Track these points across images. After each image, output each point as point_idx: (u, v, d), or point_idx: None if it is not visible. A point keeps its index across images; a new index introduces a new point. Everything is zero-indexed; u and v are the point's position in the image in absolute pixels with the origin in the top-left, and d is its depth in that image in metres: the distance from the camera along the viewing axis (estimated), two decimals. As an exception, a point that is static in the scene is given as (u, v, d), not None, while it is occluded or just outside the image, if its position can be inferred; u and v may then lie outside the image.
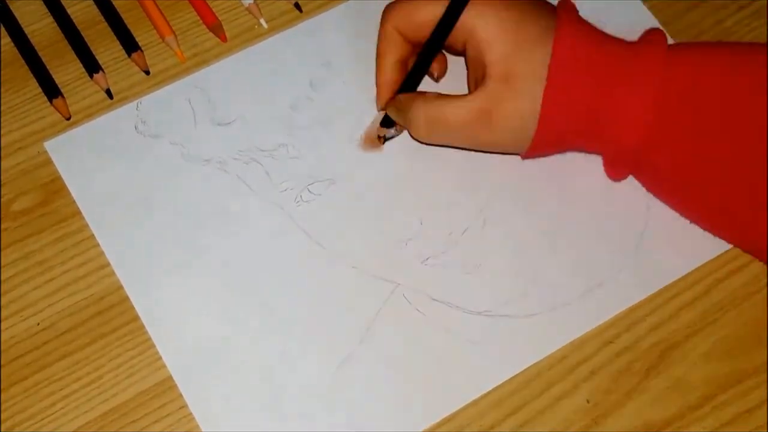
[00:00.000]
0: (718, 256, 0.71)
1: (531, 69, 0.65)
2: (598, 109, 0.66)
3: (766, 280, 0.70)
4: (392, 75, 0.72)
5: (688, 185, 0.67)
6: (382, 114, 0.74)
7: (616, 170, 0.71)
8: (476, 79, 0.68)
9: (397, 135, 0.74)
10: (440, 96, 0.69)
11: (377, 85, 0.73)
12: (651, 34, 0.67)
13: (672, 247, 0.71)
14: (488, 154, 0.73)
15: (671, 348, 0.68)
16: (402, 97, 0.71)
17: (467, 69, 0.71)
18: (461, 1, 0.67)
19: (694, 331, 0.69)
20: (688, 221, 0.71)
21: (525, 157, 0.71)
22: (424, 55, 0.70)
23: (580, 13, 0.68)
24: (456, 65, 0.74)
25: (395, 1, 0.71)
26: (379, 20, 0.71)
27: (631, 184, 0.72)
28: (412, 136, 0.72)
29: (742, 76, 0.64)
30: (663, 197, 0.71)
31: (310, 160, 0.74)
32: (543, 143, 0.68)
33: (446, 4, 0.67)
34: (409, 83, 0.71)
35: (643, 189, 0.72)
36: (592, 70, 0.66)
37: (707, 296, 0.70)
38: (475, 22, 0.67)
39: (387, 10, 0.71)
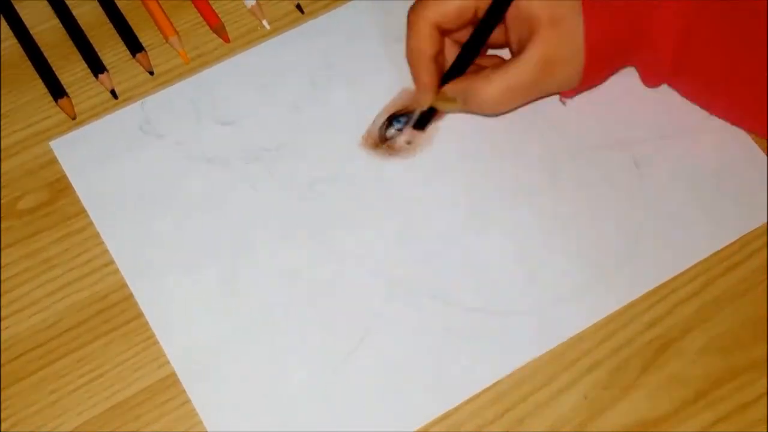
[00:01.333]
0: (715, 253, 0.71)
1: (574, 8, 0.68)
2: (637, 20, 0.69)
3: (762, 277, 0.70)
4: (434, 72, 0.73)
5: (724, 83, 0.71)
6: (383, 114, 0.75)
7: (653, 78, 0.74)
8: (520, 38, 0.70)
9: (399, 135, 0.74)
10: (495, 67, 0.71)
11: (420, 84, 0.73)
12: None
13: (669, 244, 0.71)
14: (487, 154, 0.74)
15: (668, 344, 0.68)
16: (453, 86, 0.73)
17: (508, 34, 0.72)
18: None
19: (691, 327, 0.69)
20: (686, 218, 0.72)
21: (579, 88, 0.73)
22: (477, 36, 0.72)
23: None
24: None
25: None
26: (378, 20, 0.72)
27: (628, 181, 0.73)
28: (476, 113, 0.74)
29: None
30: (700, 100, 0.74)
31: (312, 160, 0.74)
32: (593, 69, 0.71)
33: None
34: (456, 70, 0.73)
35: (643, 188, 0.73)
36: None
37: (704, 292, 0.70)
38: None
39: (418, 8, 0.72)
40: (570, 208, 0.72)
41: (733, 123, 0.75)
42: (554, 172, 0.74)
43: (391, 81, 0.76)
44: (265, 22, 0.79)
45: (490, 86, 0.70)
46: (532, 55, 0.69)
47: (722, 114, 0.74)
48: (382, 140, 0.74)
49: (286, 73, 0.77)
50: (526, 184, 0.73)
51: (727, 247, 0.71)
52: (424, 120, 0.74)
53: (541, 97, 0.74)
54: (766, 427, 0.66)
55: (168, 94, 0.77)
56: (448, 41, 0.73)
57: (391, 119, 0.75)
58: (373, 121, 0.75)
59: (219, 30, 0.79)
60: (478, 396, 0.67)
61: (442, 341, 0.68)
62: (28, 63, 0.77)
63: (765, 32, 0.67)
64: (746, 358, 0.68)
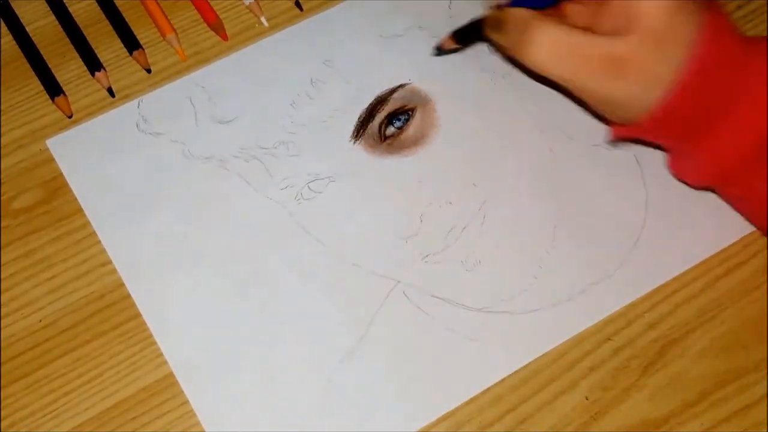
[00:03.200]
0: (717, 253, 0.71)
1: (685, 34, 0.61)
2: (727, 100, 0.62)
3: (764, 277, 0.70)
4: None
5: None
6: (383, 113, 0.74)
7: (702, 175, 0.67)
8: (615, 24, 0.62)
9: (398, 132, 0.74)
10: (569, 24, 0.63)
11: None
12: None
13: (670, 244, 0.71)
14: (488, 153, 0.73)
15: (670, 344, 0.68)
16: (517, 12, 0.64)
17: (603, 11, 0.64)
18: None
19: (692, 328, 0.69)
20: (687, 218, 0.72)
21: (619, 133, 0.66)
22: None
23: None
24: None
25: None
26: (377, 17, 0.72)
27: (630, 181, 0.73)
28: (518, 60, 0.65)
29: None
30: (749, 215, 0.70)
31: (310, 158, 0.74)
32: (659, 119, 0.63)
33: None
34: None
35: (642, 187, 0.73)
36: (733, 58, 0.62)
37: (705, 293, 0.70)
38: None
39: None
40: (571, 207, 0.72)
41: None
42: (555, 170, 0.73)
43: (391, 78, 0.76)
44: (263, 19, 0.79)
45: (553, 32, 0.62)
46: (612, 44, 0.61)
47: None
48: (381, 139, 0.74)
49: (285, 71, 0.77)
50: (527, 183, 0.73)
51: (728, 247, 0.71)
52: (467, 33, 0.71)
53: (586, 99, 0.66)
54: (767, 428, 0.66)
55: (165, 92, 0.76)
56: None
57: (391, 117, 0.74)
58: (367, 108, 0.75)
59: (217, 27, 0.78)
60: (479, 396, 0.67)
61: (443, 341, 0.68)
62: (24, 60, 0.77)
63: None
64: (748, 359, 0.68)
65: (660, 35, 0.61)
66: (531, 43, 0.63)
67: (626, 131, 0.66)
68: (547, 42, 0.62)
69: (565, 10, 0.67)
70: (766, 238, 0.71)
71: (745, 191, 0.66)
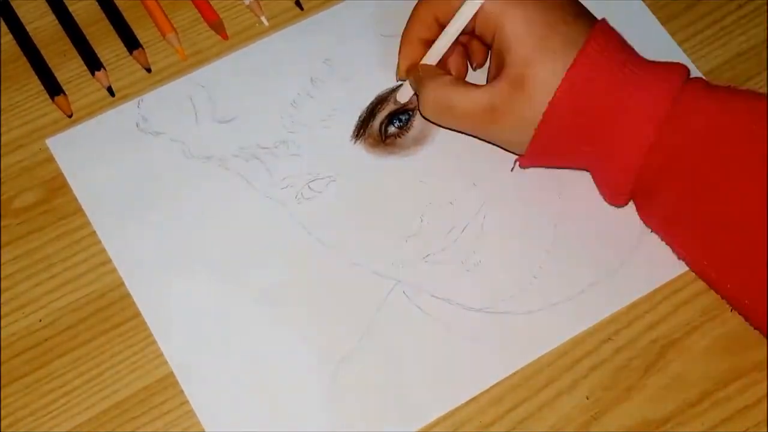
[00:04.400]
0: (718, 253, 0.71)
1: (546, 78, 0.65)
2: (603, 120, 0.64)
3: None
4: (416, 51, 0.71)
5: (686, 223, 0.67)
6: (384, 112, 0.74)
7: (612, 192, 0.69)
8: (496, 72, 0.67)
9: (399, 132, 0.74)
10: (453, 81, 0.69)
11: (399, 56, 0.72)
12: (673, 65, 0.65)
13: (671, 244, 0.71)
14: (488, 152, 0.73)
15: (671, 345, 0.68)
16: (421, 68, 0.71)
17: (491, 60, 0.70)
18: None
19: (693, 328, 0.69)
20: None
21: (522, 163, 0.70)
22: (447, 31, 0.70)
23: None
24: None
25: None
26: (377, 17, 0.72)
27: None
28: (421, 114, 0.72)
29: (760, 123, 0.63)
30: (659, 230, 0.70)
31: (310, 157, 0.74)
32: (540, 148, 0.67)
33: None
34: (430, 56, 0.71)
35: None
36: (606, 89, 0.64)
37: (707, 293, 0.70)
38: (505, 18, 0.66)
39: None
40: (573, 206, 0.72)
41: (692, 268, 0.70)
42: (555, 171, 0.73)
43: (391, 77, 0.76)
44: (263, 19, 0.79)
45: (434, 91, 0.69)
46: (480, 95, 0.67)
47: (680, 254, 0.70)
48: (382, 138, 0.74)
49: (285, 70, 0.77)
50: (527, 183, 0.73)
51: (729, 247, 0.71)
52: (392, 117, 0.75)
53: (487, 141, 0.71)
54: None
55: (165, 92, 0.76)
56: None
57: (391, 117, 0.74)
58: (368, 108, 0.75)
59: (217, 27, 0.78)
60: (479, 396, 0.67)
61: (443, 341, 0.68)
62: (24, 60, 0.77)
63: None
64: (749, 358, 0.68)
65: (519, 81, 0.65)
66: (421, 101, 0.70)
67: (523, 161, 0.70)
68: (430, 100, 0.69)
69: (447, 64, 0.73)
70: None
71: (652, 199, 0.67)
